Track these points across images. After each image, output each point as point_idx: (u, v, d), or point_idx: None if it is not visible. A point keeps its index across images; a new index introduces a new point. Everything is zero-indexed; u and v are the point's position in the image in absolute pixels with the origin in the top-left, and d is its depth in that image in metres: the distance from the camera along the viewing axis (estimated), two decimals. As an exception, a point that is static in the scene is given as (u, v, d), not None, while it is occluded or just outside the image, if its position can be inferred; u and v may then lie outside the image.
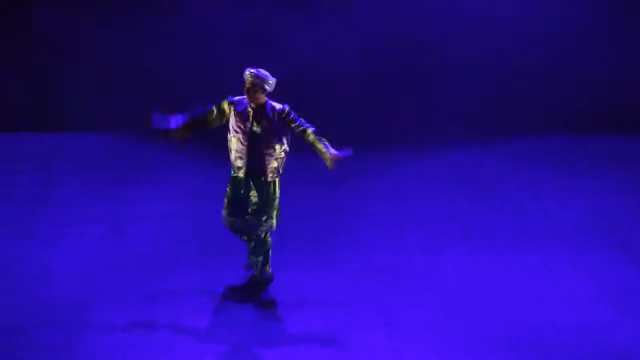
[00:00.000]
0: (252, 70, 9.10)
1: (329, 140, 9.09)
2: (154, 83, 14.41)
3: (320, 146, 9.08)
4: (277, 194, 9.32)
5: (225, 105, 9.26)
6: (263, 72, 9.11)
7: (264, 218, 9.26)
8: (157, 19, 14.61)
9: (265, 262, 9.48)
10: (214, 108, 9.29)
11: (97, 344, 8.39)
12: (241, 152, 9.20)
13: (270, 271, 9.55)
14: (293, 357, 8.31)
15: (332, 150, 9.03)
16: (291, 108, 9.23)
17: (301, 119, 9.20)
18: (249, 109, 9.17)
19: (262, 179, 9.20)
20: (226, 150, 9.33)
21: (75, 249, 10.35)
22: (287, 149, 9.26)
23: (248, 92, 9.12)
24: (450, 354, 8.31)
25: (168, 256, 10.14)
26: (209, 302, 9.22)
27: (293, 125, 9.15)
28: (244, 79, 9.13)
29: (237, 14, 14.68)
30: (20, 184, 12.36)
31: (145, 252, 10.28)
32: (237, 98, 9.25)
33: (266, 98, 9.18)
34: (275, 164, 9.19)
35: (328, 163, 9.06)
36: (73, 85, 14.52)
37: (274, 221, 9.36)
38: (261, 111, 9.15)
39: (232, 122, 9.23)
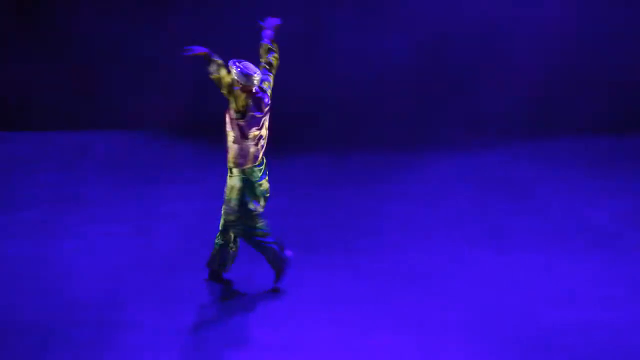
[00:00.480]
0: (238, 65, 9.00)
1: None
2: (181, 84, 14.52)
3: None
4: (238, 184, 9.15)
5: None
6: (247, 66, 9.00)
7: (226, 206, 9.24)
8: (187, 19, 14.69)
9: (280, 249, 9.36)
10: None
11: (125, 343, 8.46)
12: None
13: (286, 256, 9.39)
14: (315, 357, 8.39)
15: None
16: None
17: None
18: None
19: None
20: None
21: (102, 248, 10.43)
22: (233, 140, 9.09)
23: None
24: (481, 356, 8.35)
25: (193, 255, 10.19)
26: (236, 301, 9.29)
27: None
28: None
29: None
30: (47, 183, 12.45)
31: (170, 251, 10.35)
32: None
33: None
34: (229, 150, 9.15)
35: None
36: (99, 85, 14.63)
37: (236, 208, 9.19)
38: None
39: None
